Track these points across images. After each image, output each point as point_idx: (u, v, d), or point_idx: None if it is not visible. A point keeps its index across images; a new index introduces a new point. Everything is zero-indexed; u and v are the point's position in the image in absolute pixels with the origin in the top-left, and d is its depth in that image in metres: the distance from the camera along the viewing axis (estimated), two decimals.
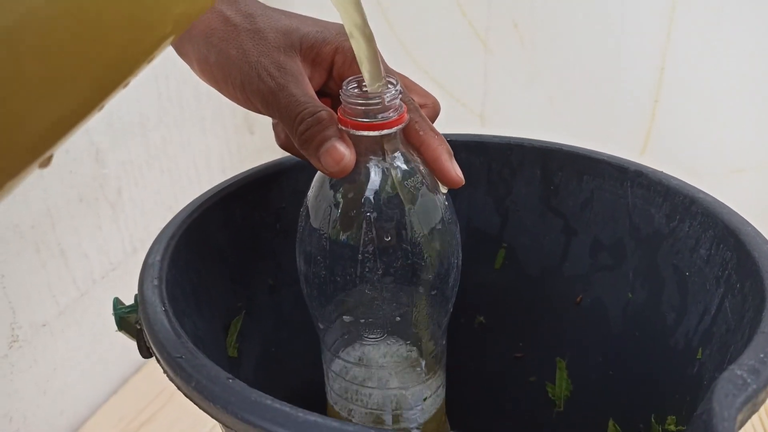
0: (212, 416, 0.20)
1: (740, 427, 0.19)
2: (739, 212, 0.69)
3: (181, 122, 0.65)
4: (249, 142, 0.78)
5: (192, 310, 0.29)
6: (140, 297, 0.26)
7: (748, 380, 0.20)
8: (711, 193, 0.75)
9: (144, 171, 0.61)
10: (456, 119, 0.76)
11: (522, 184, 0.40)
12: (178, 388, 0.22)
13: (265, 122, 0.86)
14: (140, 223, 0.60)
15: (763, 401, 0.20)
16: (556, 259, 0.40)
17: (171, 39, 0.17)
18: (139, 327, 0.26)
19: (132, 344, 0.59)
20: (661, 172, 0.35)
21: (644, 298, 0.36)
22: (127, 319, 0.27)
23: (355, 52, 0.28)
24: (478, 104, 0.76)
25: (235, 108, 0.76)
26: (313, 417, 0.19)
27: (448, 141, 0.41)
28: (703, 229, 0.31)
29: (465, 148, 0.41)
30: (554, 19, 0.69)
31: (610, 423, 0.38)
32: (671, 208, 0.34)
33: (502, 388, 0.45)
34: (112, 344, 0.59)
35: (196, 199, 0.34)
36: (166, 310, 0.24)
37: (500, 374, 0.45)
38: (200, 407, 0.20)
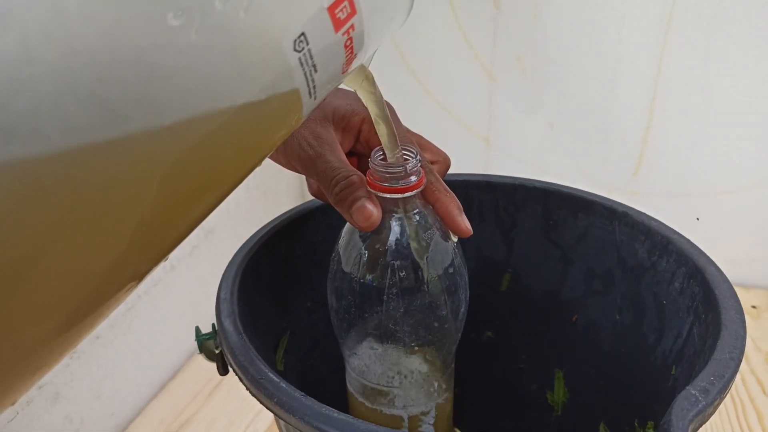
0: (291, 425, 0.26)
1: None
2: (725, 228, 0.75)
3: None
4: (271, 164, 0.84)
5: (253, 333, 0.35)
6: (220, 327, 0.32)
7: (699, 398, 0.26)
8: (699, 212, 0.81)
9: None
10: (463, 143, 0.82)
11: (525, 219, 0.46)
12: (261, 403, 0.28)
13: None
14: None
15: (711, 414, 0.26)
16: (555, 284, 0.47)
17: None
18: (218, 351, 0.32)
19: (169, 351, 0.65)
20: (644, 213, 0.41)
21: (630, 320, 0.42)
22: (206, 344, 0.33)
23: (376, 128, 0.33)
24: (484, 129, 0.82)
25: None
26: (372, 426, 0.25)
27: (461, 180, 0.47)
28: (678, 266, 0.38)
29: (476, 187, 0.47)
30: (554, 53, 0.75)
31: (602, 426, 0.44)
32: (652, 245, 0.40)
33: (507, 395, 0.51)
34: (153, 353, 0.65)
35: (252, 236, 0.40)
36: (243, 339, 0.31)
37: (505, 383, 0.51)
38: (281, 418, 0.26)
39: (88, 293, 0.18)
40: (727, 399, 0.62)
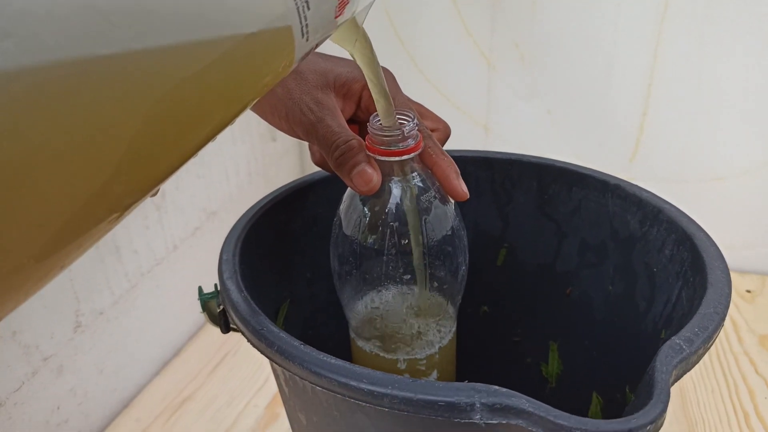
0: (292, 372, 0.27)
1: (674, 381, 0.26)
2: (721, 214, 0.76)
3: None
4: (272, 149, 0.85)
5: (254, 296, 0.36)
6: (222, 285, 0.33)
7: (684, 347, 0.27)
8: (694, 198, 0.82)
9: (183, 176, 0.68)
10: (462, 130, 0.83)
11: (521, 194, 0.48)
12: (261, 353, 0.29)
13: None
14: (180, 222, 0.68)
15: (695, 363, 0.27)
16: (550, 257, 0.48)
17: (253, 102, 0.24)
18: (220, 309, 0.33)
19: (172, 329, 0.66)
20: (636, 185, 0.42)
21: (621, 290, 0.43)
22: (209, 303, 0.34)
23: (371, 91, 0.34)
24: (483, 116, 0.83)
25: (259, 118, 0.83)
26: (365, 370, 0.26)
27: (459, 156, 0.48)
28: (668, 234, 0.39)
29: (473, 163, 0.48)
30: (552, 40, 0.76)
31: (594, 395, 0.45)
32: (643, 215, 0.41)
33: (502, 367, 0.52)
34: (156, 330, 0.66)
35: (254, 206, 0.41)
36: (245, 295, 0.32)
37: (501, 356, 0.52)
38: (280, 365, 0.27)
39: (70, 215, 0.18)
40: (721, 379, 0.64)
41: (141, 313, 0.63)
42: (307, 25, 0.21)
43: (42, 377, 0.52)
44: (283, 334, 0.28)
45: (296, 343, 0.28)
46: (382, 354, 0.39)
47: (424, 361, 0.41)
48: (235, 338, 0.70)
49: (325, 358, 0.27)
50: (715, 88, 0.73)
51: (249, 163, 0.80)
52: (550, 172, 0.46)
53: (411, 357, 0.40)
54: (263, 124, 0.82)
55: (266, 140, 0.84)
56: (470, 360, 0.52)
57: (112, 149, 0.18)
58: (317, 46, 0.25)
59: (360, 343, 0.40)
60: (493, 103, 0.82)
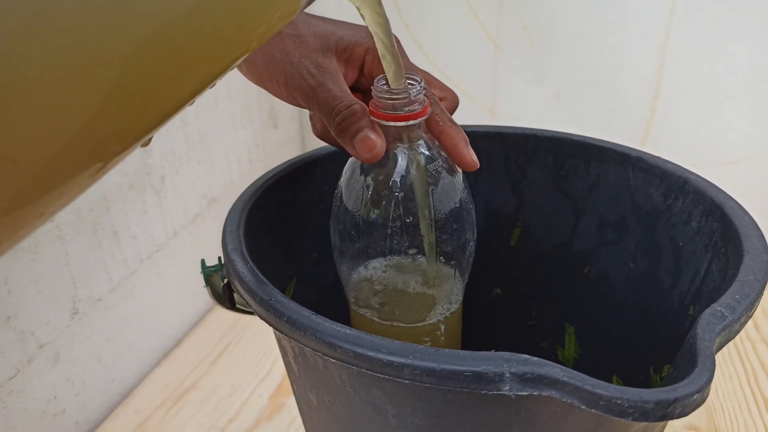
0: (302, 344, 0.25)
1: (718, 350, 0.24)
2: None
3: (216, 117, 0.70)
4: (273, 136, 0.84)
5: (259, 269, 0.34)
6: (226, 257, 0.31)
7: (726, 314, 0.25)
8: None
9: (183, 161, 0.66)
10: (467, 114, 0.81)
11: (536, 169, 0.46)
12: (270, 324, 0.27)
13: (288, 117, 0.91)
14: (180, 208, 0.66)
15: (737, 332, 0.25)
16: (566, 236, 0.46)
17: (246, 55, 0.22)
18: (224, 282, 0.31)
19: (172, 318, 0.64)
20: (658, 157, 0.40)
21: (644, 267, 0.41)
22: (212, 277, 0.32)
23: (381, 59, 0.32)
24: (489, 100, 0.81)
25: (261, 104, 0.81)
26: (384, 340, 0.24)
27: (470, 132, 0.46)
28: (694, 205, 0.37)
29: (485, 137, 0.46)
30: (561, 21, 0.74)
31: (614, 378, 0.44)
32: (667, 187, 0.39)
33: (516, 352, 0.50)
34: (156, 319, 0.64)
35: (257, 180, 0.39)
36: (251, 266, 0.30)
37: (515, 341, 0.50)
38: (291, 337, 0.26)
39: (50, 152, 0.16)
40: (739, 365, 0.62)
41: (140, 301, 0.61)
42: None
43: (38, 365, 0.50)
44: (293, 304, 0.26)
45: (307, 312, 0.26)
46: (379, 321, 0.37)
47: (428, 337, 0.39)
48: (239, 327, 0.68)
49: (339, 328, 0.25)
50: (729, 68, 0.71)
51: (250, 149, 0.78)
52: (567, 145, 0.44)
53: (413, 325, 0.38)
54: (264, 110, 0.80)
55: (268, 127, 0.82)
56: (482, 345, 0.50)
57: (97, 81, 0.16)
58: None
59: (361, 311, 0.38)
60: (500, 86, 0.80)
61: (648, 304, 0.40)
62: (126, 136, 0.19)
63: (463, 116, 0.46)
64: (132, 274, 0.60)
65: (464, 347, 0.49)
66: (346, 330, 0.25)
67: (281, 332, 0.26)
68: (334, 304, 0.45)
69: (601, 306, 0.44)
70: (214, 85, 0.21)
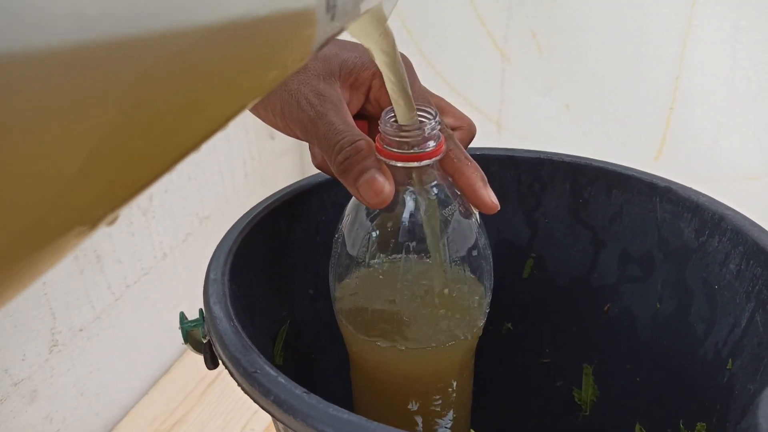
0: (291, 428, 0.21)
1: None
2: (753, 216, 0.70)
3: None
4: (269, 147, 0.80)
5: (247, 321, 0.30)
6: (208, 313, 0.27)
7: None
8: (724, 199, 0.76)
9: (173, 177, 0.62)
10: None
11: (552, 197, 0.42)
12: (255, 401, 0.23)
13: None
14: (170, 228, 0.62)
15: None
16: (585, 269, 0.42)
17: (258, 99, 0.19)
18: (206, 340, 0.27)
19: (160, 345, 0.61)
20: (690, 188, 0.37)
21: (673, 308, 0.37)
22: (192, 333, 0.29)
23: (392, 101, 0.28)
24: (496, 111, 0.77)
25: None
26: (389, 429, 0.20)
27: (479, 155, 0.43)
28: (733, 245, 0.33)
29: (496, 161, 0.42)
30: (572, 28, 0.71)
31: (637, 427, 0.40)
32: (700, 223, 0.35)
33: (529, 392, 0.46)
34: (143, 347, 0.60)
35: (247, 213, 0.35)
36: (235, 326, 0.26)
37: (527, 378, 0.46)
38: (279, 420, 0.22)
39: (31, 216, 0.13)
40: None
41: (126, 329, 0.57)
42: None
43: (12, 404, 0.47)
44: (282, 379, 0.23)
45: (299, 391, 0.22)
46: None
47: (439, 395, 0.35)
48: None
49: (334, 413, 0.21)
50: (748, 80, 0.67)
51: (245, 162, 0.74)
52: (586, 172, 0.40)
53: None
54: (260, 120, 0.76)
55: (264, 138, 0.78)
56: (492, 382, 0.47)
57: (77, 144, 0.13)
58: (341, 30, 0.19)
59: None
60: (507, 97, 0.76)
61: (677, 350, 0.37)
62: (113, 199, 0.15)
63: None
64: (117, 301, 0.56)
65: (473, 384, 0.45)
66: (344, 415, 0.21)
67: (268, 412, 0.22)
68: (331, 343, 0.41)
69: (623, 347, 0.41)
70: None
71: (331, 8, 0.16)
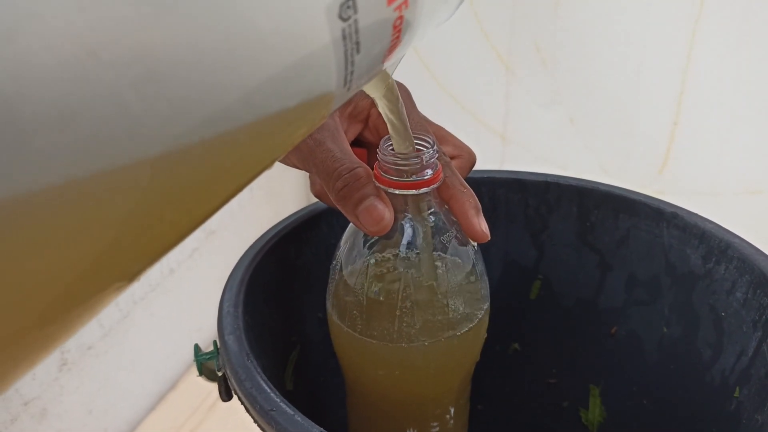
0: None
1: None
2: (757, 230, 0.71)
3: None
4: (275, 162, 0.80)
5: (260, 351, 0.31)
6: (223, 347, 0.28)
7: None
8: (728, 213, 0.77)
9: None
10: (477, 140, 0.78)
11: (558, 220, 0.42)
12: None
13: None
14: None
15: None
16: (591, 292, 0.42)
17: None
18: (221, 374, 0.28)
19: (168, 361, 0.61)
20: (697, 214, 0.37)
21: (679, 333, 0.37)
22: (206, 365, 0.29)
23: (388, 129, 0.28)
24: (500, 124, 0.77)
25: None
26: None
27: (486, 177, 0.43)
28: (739, 274, 0.33)
29: (504, 184, 0.43)
30: (576, 42, 0.71)
31: None
32: (707, 250, 0.35)
33: (535, 412, 0.47)
34: (150, 363, 0.61)
35: (256, 242, 0.36)
36: (251, 361, 0.26)
37: (533, 399, 0.47)
38: None
39: (69, 286, 0.14)
40: None
41: (134, 345, 0.58)
42: (352, 72, 0.16)
43: (22, 424, 0.47)
44: (299, 418, 0.23)
45: (315, 430, 0.22)
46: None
47: (437, 428, 0.35)
48: None
49: None
50: (753, 94, 0.68)
51: None
52: (593, 196, 0.41)
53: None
54: None
55: None
56: (498, 402, 0.47)
57: (110, 223, 0.13)
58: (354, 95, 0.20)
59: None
60: (511, 110, 0.76)
61: (684, 374, 0.37)
62: (150, 259, 0.16)
63: (473, 141, 0.42)
64: (125, 318, 0.56)
65: (480, 402, 0.46)
66: None
67: None
68: (340, 366, 0.41)
69: (630, 369, 0.41)
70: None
71: (347, 83, 0.16)
